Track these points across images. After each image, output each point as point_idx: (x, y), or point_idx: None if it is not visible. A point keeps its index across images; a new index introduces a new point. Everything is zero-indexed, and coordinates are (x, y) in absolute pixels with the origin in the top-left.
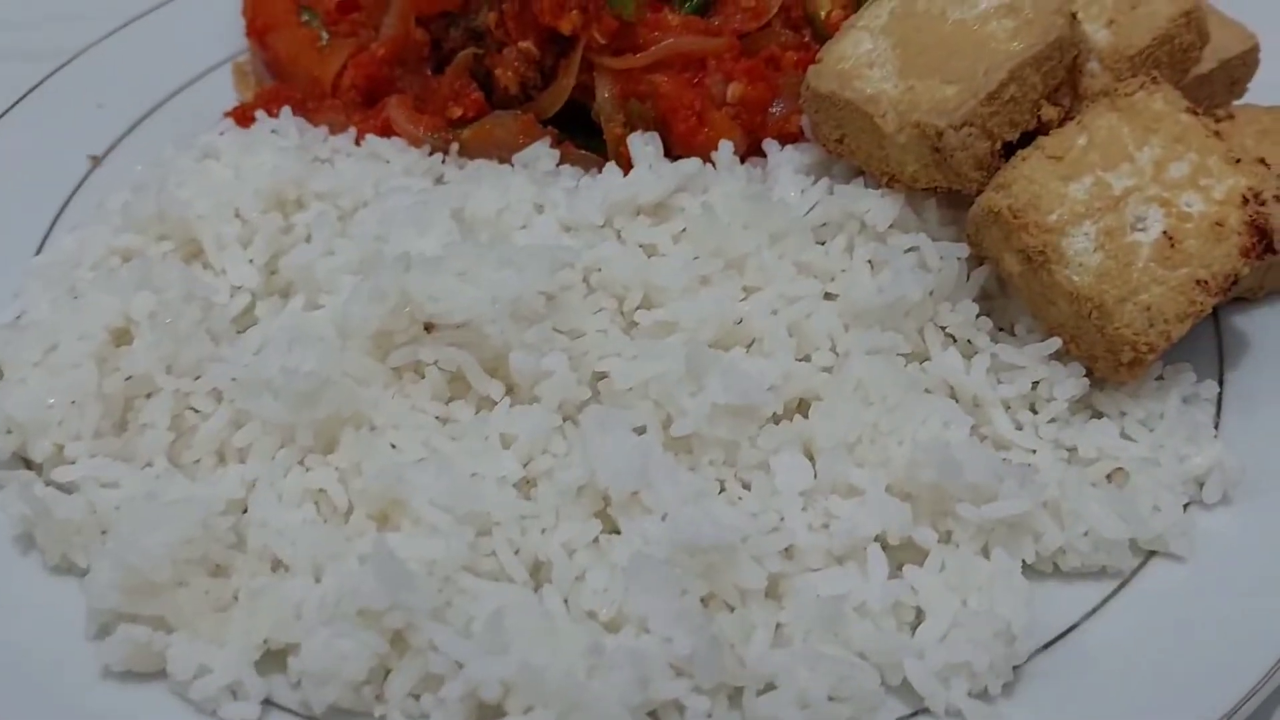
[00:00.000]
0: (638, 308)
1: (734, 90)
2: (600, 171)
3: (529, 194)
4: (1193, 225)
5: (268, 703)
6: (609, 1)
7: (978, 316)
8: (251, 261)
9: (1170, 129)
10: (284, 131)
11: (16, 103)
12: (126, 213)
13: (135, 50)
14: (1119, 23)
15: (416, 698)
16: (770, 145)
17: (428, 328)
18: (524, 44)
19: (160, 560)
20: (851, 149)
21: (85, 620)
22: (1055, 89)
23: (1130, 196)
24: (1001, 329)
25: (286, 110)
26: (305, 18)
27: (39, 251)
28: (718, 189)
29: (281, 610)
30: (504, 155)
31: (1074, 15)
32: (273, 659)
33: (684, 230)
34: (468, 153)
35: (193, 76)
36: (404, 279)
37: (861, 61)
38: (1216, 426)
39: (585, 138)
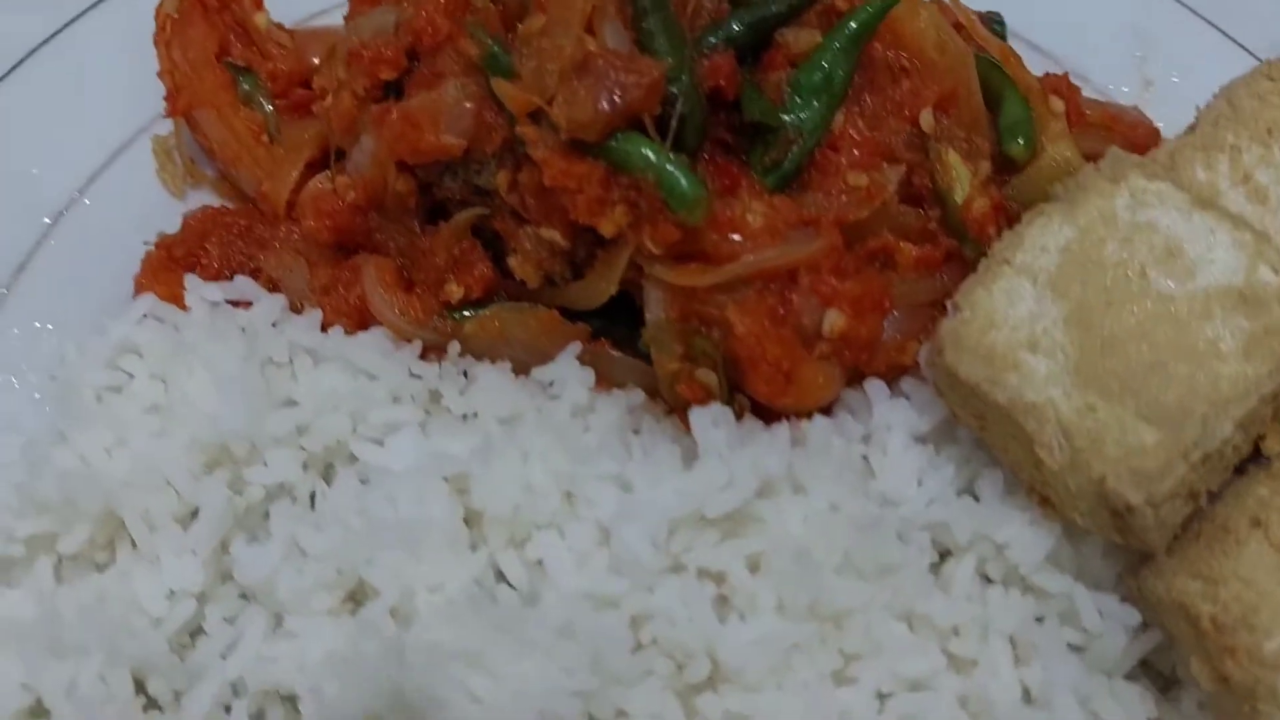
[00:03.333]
0: (702, 685)
1: (833, 322)
2: (641, 395)
3: (556, 472)
4: None
5: None
6: (669, 203)
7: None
8: (194, 552)
9: None
10: (224, 333)
11: None
12: (23, 494)
13: (20, 123)
14: None
15: None
16: (876, 390)
17: None
18: (548, 231)
19: None
20: (994, 445)
21: None
22: None
23: None
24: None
25: (245, 286)
26: (245, 86)
27: None
28: (816, 498)
29: None
30: (520, 358)
31: None
32: None
33: (764, 553)
34: (472, 351)
35: (99, 163)
36: (399, 674)
37: (1020, 336)
38: None
39: (626, 323)
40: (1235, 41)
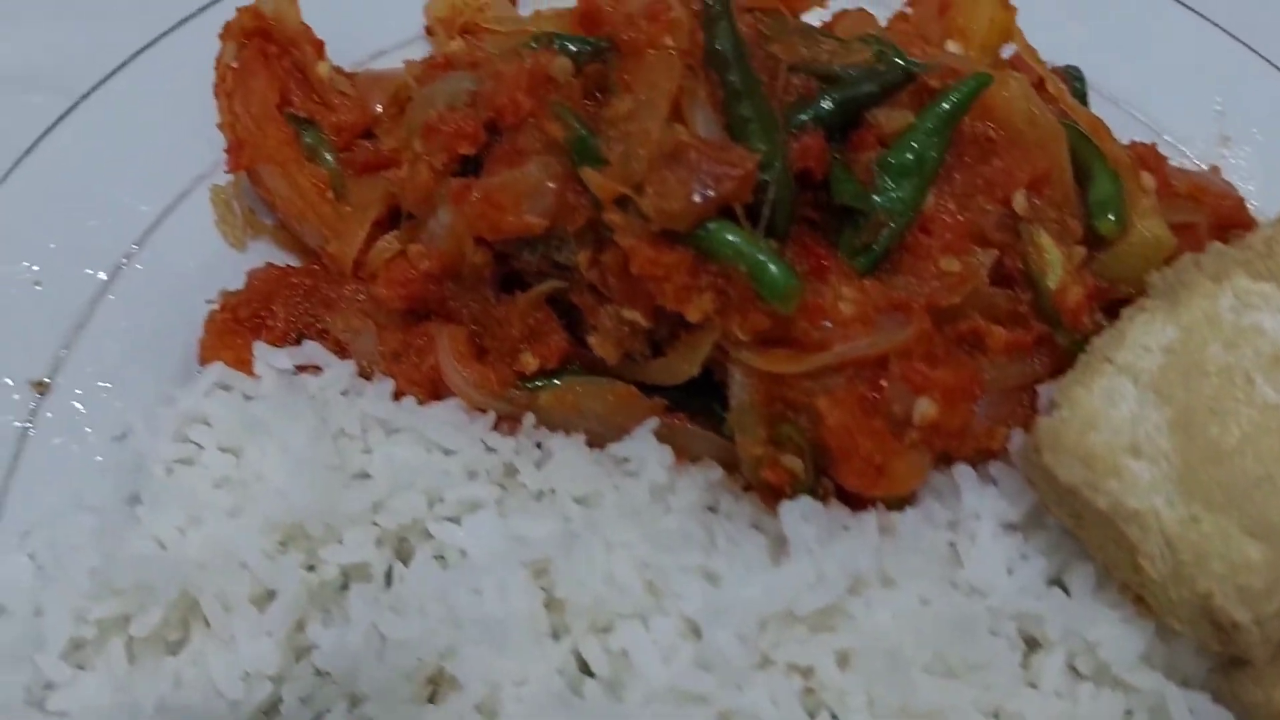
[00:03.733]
0: None
1: (924, 411)
2: (719, 472)
3: (640, 561)
4: None
5: None
6: (761, 292)
7: None
8: (269, 634)
9: None
10: (297, 413)
11: None
12: (98, 578)
13: (72, 176)
14: None
15: None
16: (965, 477)
17: None
18: (630, 313)
19: None
20: (1089, 542)
21: None
22: None
23: None
24: None
25: (314, 352)
26: (308, 140)
27: None
28: (907, 594)
29: None
30: (595, 431)
31: None
32: None
33: (854, 649)
34: (546, 422)
35: (156, 216)
36: None
37: (1121, 439)
38: None
39: (703, 395)
40: None
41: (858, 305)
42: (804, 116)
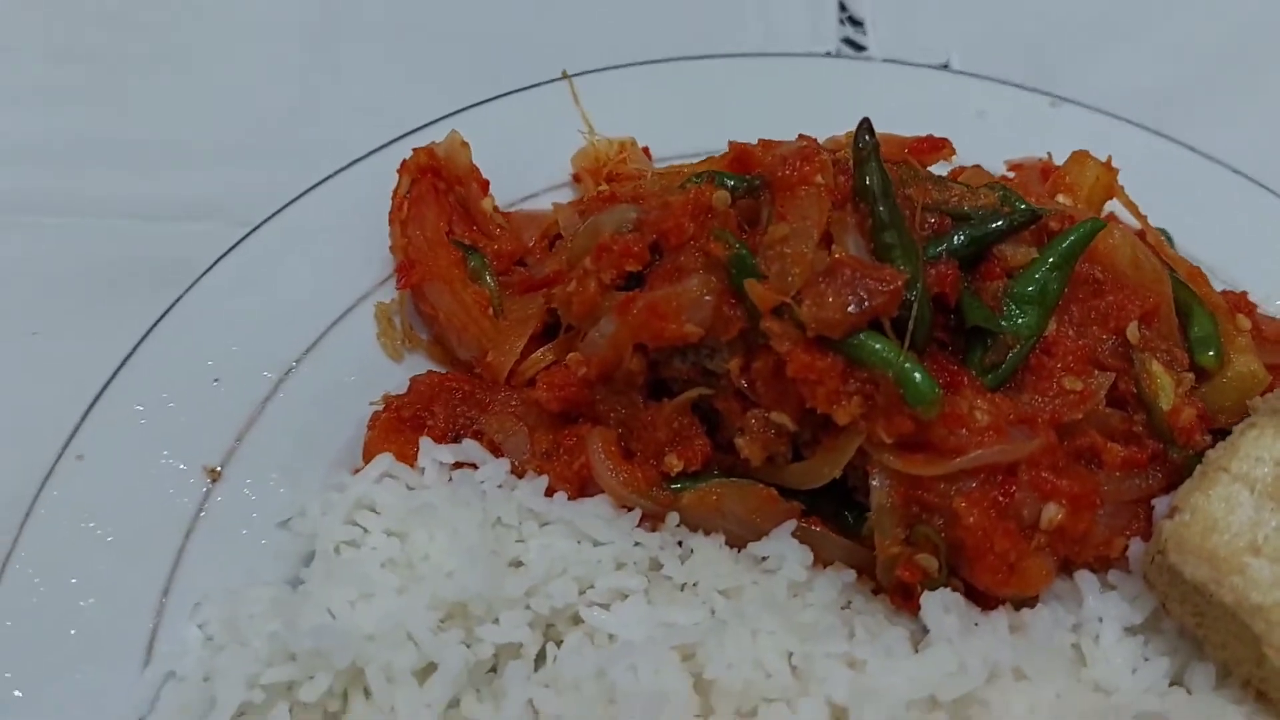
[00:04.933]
0: None
1: (1051, 516)
2: (853, 574)
3: (785, 649)
4: None
5: None
6: (906, 398)
7: None
8: (428, 706)
9: None
10: (463, 499)
11: (109, 383)
12: (275, 643)
13: (250, 287)
14: None
15: None
16: (1087, 582)
17: None
18: (778, 416)
19: None
20: (1211, 640)
21: None
22: None
23: None
24: None
25: (472, 450)
26: (472, 263)
27: (150, 642)
28: (1040, 690)
29: None
30: (735, 532)
31: None
32: None
33: None
34: (688, 522)
35: (324, 326)
36: None
37: (1242, 541)
38: None
39: (835, 504)
40: None
41: (991, 416)
42: (939, 248)
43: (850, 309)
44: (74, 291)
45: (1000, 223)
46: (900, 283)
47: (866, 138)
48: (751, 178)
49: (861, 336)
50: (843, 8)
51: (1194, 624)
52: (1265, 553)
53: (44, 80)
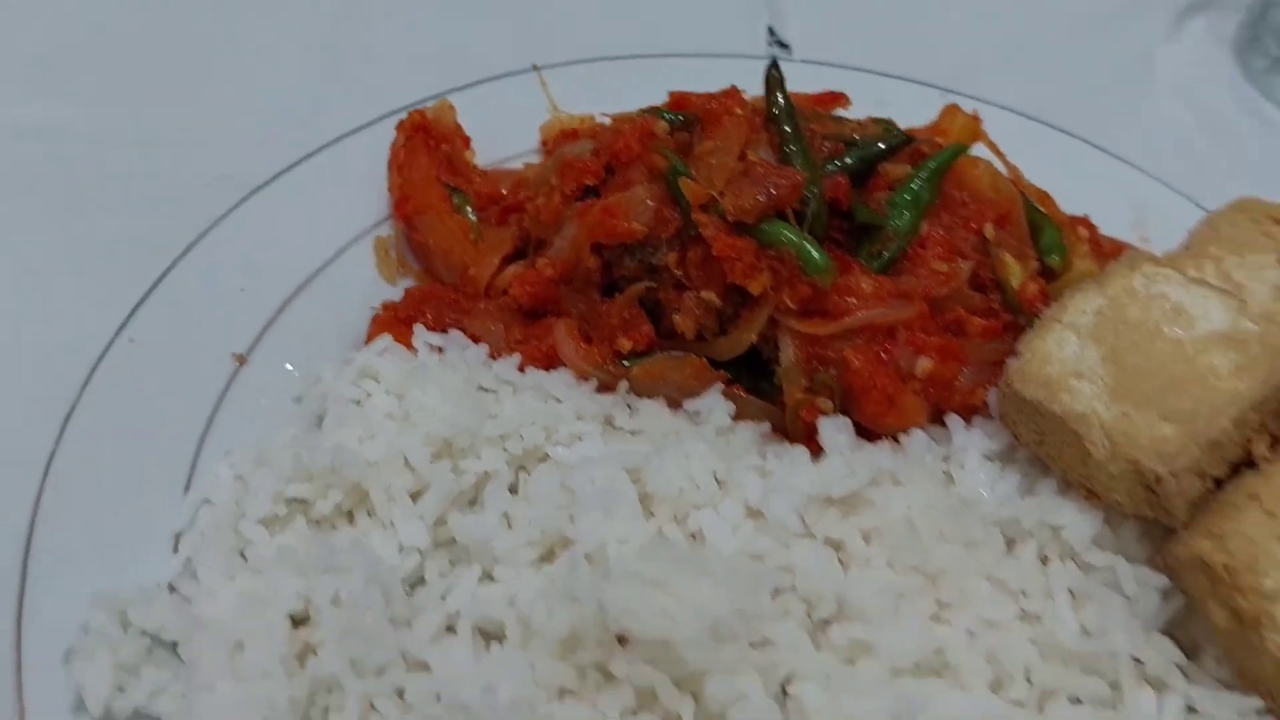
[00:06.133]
0: (830, 620)
1: (924, 366)
2: (768, 426)
3: (711, 467)
4: None
5: None
6: (805, 269)
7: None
8: (422, 518)
9: None
10: (449, 363)
11: (157, 283)
12: (298, 461)
13: (275, 219)
14: None
15: None
16: (954, 422)
17: (620, 639)
18: (707, 294)
19: None
20: (1049, 454)
21: None
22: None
23: None
24: (1184, 648)
25: (457, 337)
26: (456, 200)
27: (189, 480)
28: (914, 491)
29: None
30: (673, 396)
31: None
32: None
33: (875, 528)
34: (636, 390)
35: (333, 253)
36: (601, 588)
37: (1069, 369)
38: None
39: (753, 377)
40: (1203, 208)
41: (874, 288)
42: (833, 166)
43: (761, 198)
44: (133, 207)
45: (882, 145)
46: (800, 179)
47: (775, 72)
48: (686, 114)
49: (769, 223)
50: (771, 32)
51: (1036, 442)
52: (1086, 376)
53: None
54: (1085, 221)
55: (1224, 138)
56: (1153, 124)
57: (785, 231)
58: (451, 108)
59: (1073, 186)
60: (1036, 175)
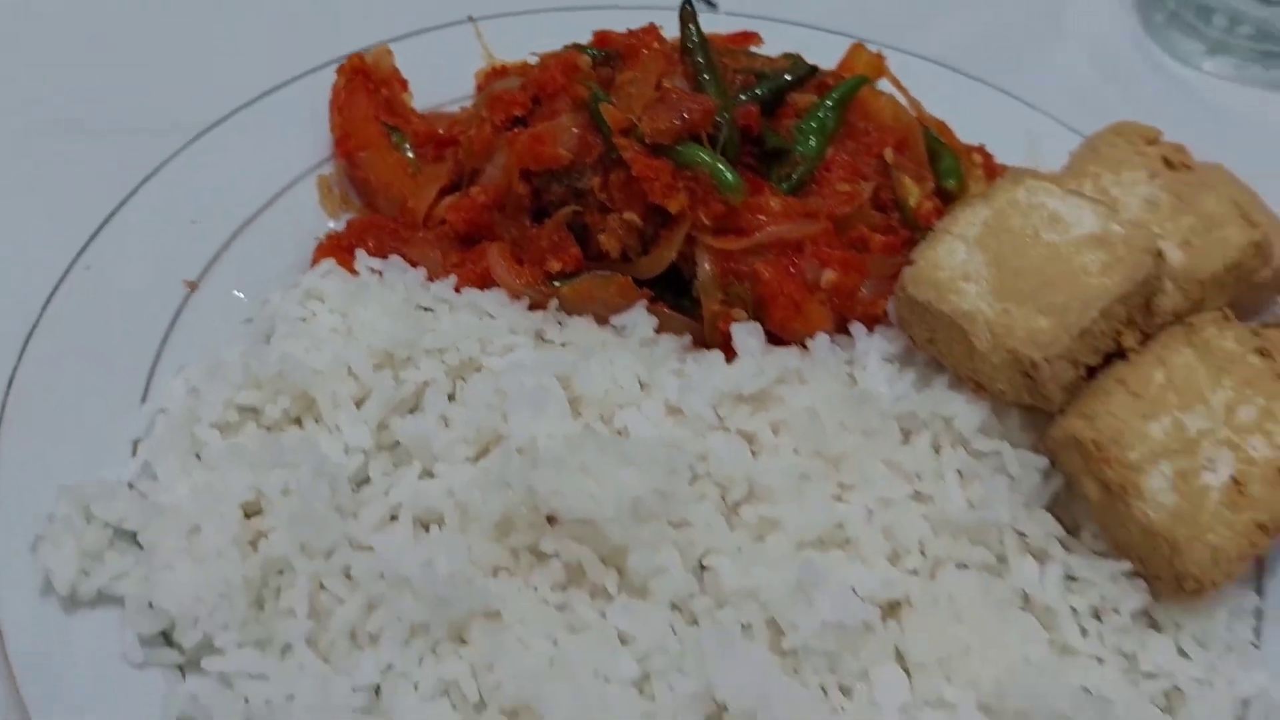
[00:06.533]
0: (741, 501)
1: (828, 277)
2: (689, 339)
3: (635, 372)
4: (1258, 470)
5: None
6: (718, 187)
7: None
8: (365, 423)
9: (1241, 371)
10: (390, 283)
11: (110, 216)
12: (247, 370)
13: (223, 158)
14: (1193, 245)
15: None
16: (857, 329)
17: (549, 519)
18: (629, 215)
19: None
20: (941, 351)
21: None
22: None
23: (1204, 439)
24: (1066, 527)
25: (396, 261)
26: (395, 137)
27: (145, 393)
28: (818, 387)
29: None
30: (600, 313)
31: (1159, 252)
32: None
33: (783, 420)
34: (566, 308)
35: (279, 189)
36: (530, 475)
37: (956, 273)
38: (1257, 640)
39: (675, 296)
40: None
41: (783, 207)
42: (745, 96)
43: (676, 121)
44: (89, 150)
45: (790, 76)
46: (711, 105)
47: (688, 7)
48: (609, 50)
49: (685, 145)
50: None
51: (928, 340)
52: (972, 279)
53: None
54: (981, 150)
55: (1122, 84)
56: (1056, 72)
57: (700, 153)
58: (389, 52)
59: (971, 121)
60: (938, 111)
